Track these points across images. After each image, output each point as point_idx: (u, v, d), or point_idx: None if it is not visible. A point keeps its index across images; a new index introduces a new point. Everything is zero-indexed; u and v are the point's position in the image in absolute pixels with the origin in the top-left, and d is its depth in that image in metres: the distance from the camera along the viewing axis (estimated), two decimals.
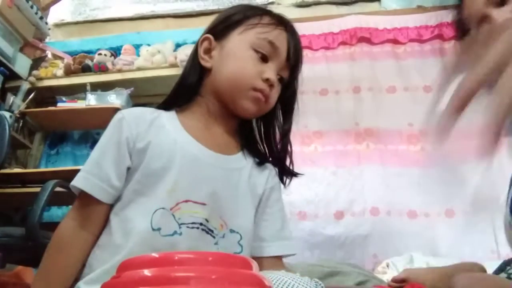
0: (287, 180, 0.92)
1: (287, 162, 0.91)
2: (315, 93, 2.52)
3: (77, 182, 0.76)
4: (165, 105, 0.86)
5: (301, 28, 3.02)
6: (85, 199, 0.76)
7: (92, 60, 2.64)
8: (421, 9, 2.64)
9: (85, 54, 2.72)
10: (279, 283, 0.63)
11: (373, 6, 2.76)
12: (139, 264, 0.42)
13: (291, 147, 0.92)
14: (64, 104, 2.56)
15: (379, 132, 2.39)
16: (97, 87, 2.54)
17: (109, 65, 2.60)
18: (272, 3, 2.87)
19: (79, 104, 2.52)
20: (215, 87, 0.84)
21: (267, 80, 0.81)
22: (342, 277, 1.47)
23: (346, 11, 2.73)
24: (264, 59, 0.82)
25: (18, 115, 2.52)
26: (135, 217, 0.74)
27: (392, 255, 1.92)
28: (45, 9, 2.89)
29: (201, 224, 0.74)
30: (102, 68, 2.58)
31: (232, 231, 0.78)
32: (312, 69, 2.55)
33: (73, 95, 2.61)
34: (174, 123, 0.82)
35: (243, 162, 0.84)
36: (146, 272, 0.40)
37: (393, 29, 2.57)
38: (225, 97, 0.83)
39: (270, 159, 0.90)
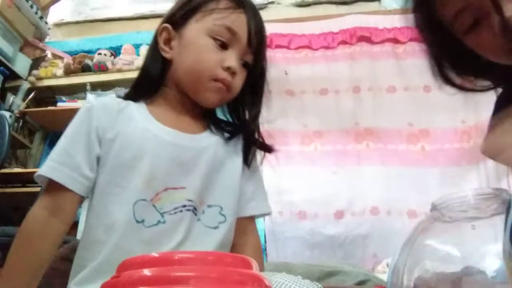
0: (260, 155, 0.89)
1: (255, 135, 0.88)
2: (315, 92, 2.52)
3: (46, 172, 0.73)
4: (130, 97, 0.84)
5: (301, 28, 3.02)
6: (55, 189, 0.73)
7: (92, 60, 2.64)
8: None
9: (85, 54, 2.72)
10: (280, 287, 0.62)
11: (373, 5, 2.76)
12: (139, 264, 0.42)
13: (259, 132, 0.88)
14: (64, 104, 2.57)
15: (379, 132, 2.39)
16: (97, 86, 2.54)
17: (109, 65, 2.60)
18: (272, 2, 2.87)
19: (79, 104, 2.52)
20: (177, 79, 0.82)
21: (228, 69, 0.78)
22: (342, 277, 1.47)
23: (346, 10, 2.73)
24: (223, 46, 0.79)
25: (18, 115, 2.52)
26: (115, 210, 0.73)
27: (392, 255, 1.92)
28: (45, 8, 2.89)
29: (183, 206, 0.75)
30: (102, 68, 2.58)
31: (209, 206, 0.79)
32: (312, 69, 2.55)
33: (73, 95, 2.62)
34: (143, 112, 0.81)
35: (211, 138, 0.83)
36: (146, 272, 0.40)
37: (393, 29, 2.57)
38: (186, 89, 0.82)
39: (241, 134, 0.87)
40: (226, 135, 0.84)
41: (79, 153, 0.74)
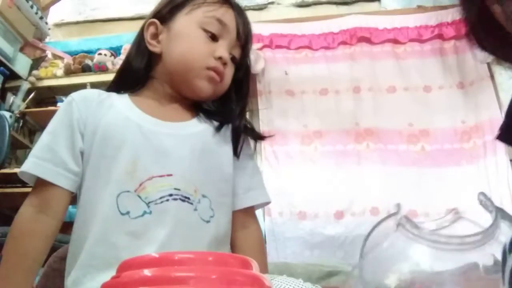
0: (251, 142, 0.88)
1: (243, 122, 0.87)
2: (315, 93, 2.52)
3: (29, 168, 0.72)
4: (112, 89, 0.84)
5: (301, 28, 3.03)
6: (41, 186, 0.73)
7: (92, 60, 2.64)
8: (421, 9, 2.64)
9: (85, 54, 2.72)
10: None
11: (373, 6, 2.76)
12: (139, 264, 0.42)
13: (246, 120, 0.88)
14: None
15: (379, 132, 2.39)
16: (97, 87, 2.49)
17: (109, 65, 2.60)
18: (272, 3, 2.87)
19: None
20: (167, 71, 0.82)
21: (219, 59, 0.79)
22: (342, 277, 1.47)
23: (346, 11, 2.73)
24: (213, 38, 0.80)
25: (18, 115, 2.52)
26: (98, 204, 0.72)
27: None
28: (45, 9, 2.89)
29: (170, 195, 0.72)
30: (102, 68, 2.58)
31: (204, 196, 0.76)
32: (312, 69, 2.55)
33: None
34: (125, 102, 0.80)
35: (200, 126, 0.81)
36: (146, 272, 0.40)
37: (393, 29, 2.57)
38: (178, 80, 0.81)
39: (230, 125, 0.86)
40: (216, 123, 0.82)
41: (62, 148, 0.74)
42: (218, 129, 0.82)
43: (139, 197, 0.71)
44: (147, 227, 0.70)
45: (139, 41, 0.84)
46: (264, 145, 2.37)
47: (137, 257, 0.44)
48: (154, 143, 0.75)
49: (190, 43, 0.80)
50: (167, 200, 0.72)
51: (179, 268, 0.41)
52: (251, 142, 0.89)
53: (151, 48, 0.82)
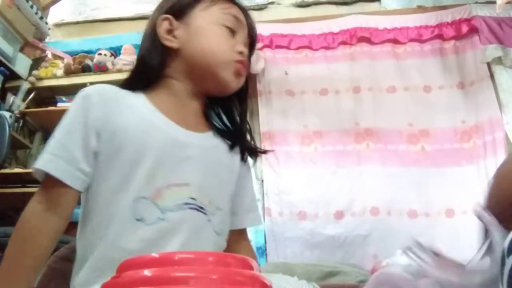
0: (252, 157, 0.90)
1: (250, 142, 0.89)
2: (315, 93, 2.52)
3: (42, 165, 0.70)
4: (126, 87, 0.82)
5: (301, 28, 3.03)
6: (51, 183, 0.70)
7: (92, 60, 2.64)
8: (421, 9, 2.64)
9: (85, 54, 2.72)
10: None
11: (373, 6, 2.76)
12: (139, 264, 0.42)
13: (250, 127, 0.90)
14: (64, 104, 2.56)
15: (379, 132, 2.39)
16: None
17: (109, 65, 2.60)
18: (272, 3, 2.87)
19: None
20: (188, 67, 0.81)
21: (240, 53, 0.81)
22: (342, 277, 1.47)
23: (346, 11, 2.73)
24: (232, 33, 0.82)
25: (18, 115, 2.52)
26: (114, 208, 0.70)
27: (392, 255, 1.92)
28: (45, 9, 2.89)
29: (186, 203, 0.72)
30: (102, 68, 2.58)
31: (218, 208, 0.77)
32: (312, 69, 2.56)
33: (73, 95, 2.59)
34: (145, 103, 0.78)
35: (215, 140, 0.82)
36: (146, 272, 0.40)
37: (393, 29, 2.57)
38: (203, 75, 0.81)
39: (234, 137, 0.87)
40: (228, 142, 0.84)
41: (76, 146, 0.71)
42: (231, 147, 0.83)
43: (155, 204, 0.71)
44: (161, 235, 0.70)
45: (153, 37, 0.83)
46: (264, 145, 2.37)
47: (137, 257, 0.44)
48: (177, 152, 0.75)
49: (216, 37, 0.80)
50: (183, 208, 0.72)
51: (179, 268, 0.41)
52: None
53: (167, 43, 0.81)
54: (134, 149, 0.72)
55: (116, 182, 0.72)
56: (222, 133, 0.84)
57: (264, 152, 0.93)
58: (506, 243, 0.44)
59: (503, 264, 0.44)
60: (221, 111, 0.87)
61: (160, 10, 0.85)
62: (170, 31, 0.82)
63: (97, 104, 0.74)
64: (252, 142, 0.89)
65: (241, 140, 0.86)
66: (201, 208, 0.74)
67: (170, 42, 0.81)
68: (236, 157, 0.84)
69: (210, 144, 0.80)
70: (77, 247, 0.75)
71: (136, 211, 0.70)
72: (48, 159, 0.71)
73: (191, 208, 0.73)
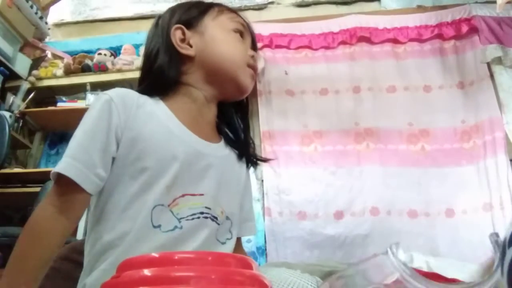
0: (254, 166, 0.94)
1: (254, 152, 0.94)
2: (315, 93, 2.52)
3: (63, 169, 0.69)
4: (145, 93, 0.83)
5: (301, 28, 3.03)
6: (67, 186, 0.70)
7: (92, 60, 2.64)
8: (421, 8, 2.64)
9: (85, 54, 2.72)
10: (281, 281, 0.62)
11: (373, 5, 2.76)
12: (139, 264, 0.42)
13: (254, 145, 0.95)
14: (64, 104, 2.57)
15: (379, 132, 2.39)
16: (97, 87, 2.54)
17: (109, 65, 2.60)
18: (272, 2, 2.87)
19: (79, 104, 2.53)
20: (206, 72, 0.84)
21: (252, 57, 0.87)
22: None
23: (346, 10, 2.73)
24: (243, 39, 0.88)
25: (18, 115, 2.52)
26: (132, 214, 0.71)
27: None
28: (45, 9, 2.89)
29: (201, 213, 0.75)
30: (102, 68, 2.58)
31: (227, 218, 0.80)
32: (312, 68, 2.55)
33: (73, 95, 2.62)
34: (165, 110, 0.79)
35: (226, 150, 0.85)
36: (146, 272, 0.40)
37: (393, 29, 2.57)
38: (222, 80, 0.84)
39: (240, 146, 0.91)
40: (235, 151, 0.87)
41: (97, 151, 0.71)
42: (239, 157, 0.88)
43: (171, 212, 0.73)
44: (176, 242, 0.71)
45: (169, 48, 0.84)
46: (264, 145, 2.37)
47: (137, 256, 0.44)
48: (198, 163, 0.77)
49: (232, 43, 0.85)
50: (198, 217, 0.74)
51: (179, 268, 0.41)
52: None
53: (184, 51, 0.84)
54: (156, 158, 0.74)
55: (135, 189, 0.73)
56: (230, 142, 0.87)
57: (267, 160, 0.97)
58: (508, 234, 0.44)
59: (503, 254, 0.44)
60: (223, 119, 0.91)
61: (170, 20, 0.87)
62: (183, 40, 0.85)
63: (120, 110, 0.74)
64: (256, 152, 0.93)
65: (247, 149, 0.90)
66: (215, 218, 0.77)
67: (186, 50, 0.84)
68: (243, 166, 0.89)
69: (223, 154, 0.84)
70: (87, 247, 0.75)
71: (154, 218, 0.71)
72: (69, 164, 0.70)
73: (206, 218, 0.75)
